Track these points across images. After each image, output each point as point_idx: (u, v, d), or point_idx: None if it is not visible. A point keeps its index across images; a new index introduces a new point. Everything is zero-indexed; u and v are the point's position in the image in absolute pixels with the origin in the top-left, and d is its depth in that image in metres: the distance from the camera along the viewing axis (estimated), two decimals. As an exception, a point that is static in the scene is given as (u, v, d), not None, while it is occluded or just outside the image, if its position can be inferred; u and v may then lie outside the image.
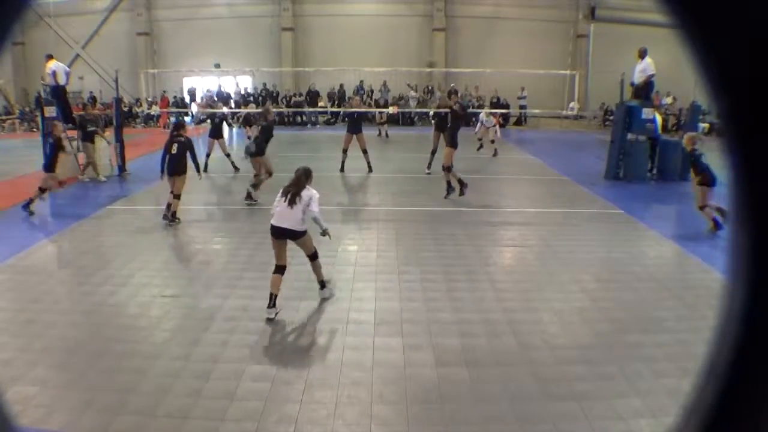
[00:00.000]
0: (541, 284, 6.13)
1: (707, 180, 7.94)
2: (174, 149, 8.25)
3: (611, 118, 17.31)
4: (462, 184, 9.79)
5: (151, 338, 4.82)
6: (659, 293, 5.81)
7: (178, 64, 24.78)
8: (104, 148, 12.59)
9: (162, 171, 8.30)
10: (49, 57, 12.99)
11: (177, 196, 8.25)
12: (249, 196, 9.55)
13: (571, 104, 22.66)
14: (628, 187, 11.39)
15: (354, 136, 12.50)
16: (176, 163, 8.24)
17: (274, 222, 5.27)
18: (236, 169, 12.75)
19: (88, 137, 11.99)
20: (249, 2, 25.49)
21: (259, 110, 13.44)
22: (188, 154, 8.35)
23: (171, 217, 8.24)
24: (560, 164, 13.76)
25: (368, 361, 4.36)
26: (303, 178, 5.33)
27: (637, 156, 11.98)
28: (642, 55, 12.08)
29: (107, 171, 12.46)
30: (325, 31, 25.04)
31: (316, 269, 5.58)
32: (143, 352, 4.54)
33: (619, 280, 6.23)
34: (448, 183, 9.84)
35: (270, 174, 9.66)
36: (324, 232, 5.51)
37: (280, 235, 5.27)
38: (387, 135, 19.59)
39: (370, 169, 12.41)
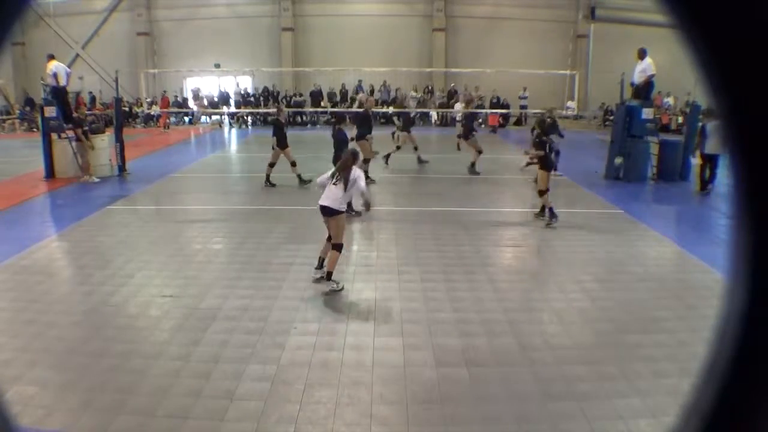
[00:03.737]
0: (541, 284, 6.13)
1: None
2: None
3: (611, 118, 17.31)
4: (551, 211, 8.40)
5: (151, 338, 4.81)
6: (659, 293, 5.81)
7: (178, 64, 24.79)
8: (102, 148, 12.58)
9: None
10: (51, 57, 13.00)
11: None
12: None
13: (569, 103, 22.65)
14: (628, 187, 11.39)
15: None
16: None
17: (320, 201, 5.91)
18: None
19: (78, 138, 11.96)
20: (249, 2, 25.48)
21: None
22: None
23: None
24: (560, 164, 13.72)
25: (368, 361, 4.36)
26: (350, 159, 5.95)
27: (637, 156, 11.98)
28: (641, 55, 12.07)
29: (107, 171, 12.46)
30: (325, 31, 25.04)
31: (332, 260, 5.77)
32: (143, 352, 4.54)
33: (619, 280, 6.22)
34: (545, 208, 8.40)
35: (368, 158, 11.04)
36: (366, 204, 6.12)
37: (323, 213, 5.89)
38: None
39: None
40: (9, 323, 5.09)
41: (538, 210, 8.64)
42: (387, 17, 25.01)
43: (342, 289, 5.77)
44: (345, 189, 5.79)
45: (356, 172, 5.88)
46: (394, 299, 5.56)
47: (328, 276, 5.77)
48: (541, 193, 8.32)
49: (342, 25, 24.84)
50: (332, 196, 5.80)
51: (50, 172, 12.08)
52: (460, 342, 4.68)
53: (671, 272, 6.60)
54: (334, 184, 5.82)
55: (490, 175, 12.13)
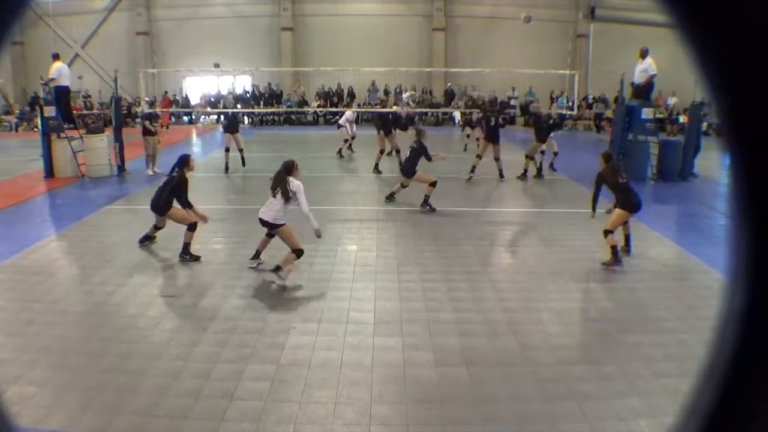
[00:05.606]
0: (541, 284, 6.13)
1: None
2: (162, 184, 7.04)
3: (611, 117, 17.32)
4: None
5: (150, 338, 4.81)
6: (659, 293, 5.81)
7: (177, 63, 24.76)
8: (101, 148, 12.57)
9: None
10: (56, 57, 13.00)
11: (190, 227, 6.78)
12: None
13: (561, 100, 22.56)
14: (628, 187, 11.36)
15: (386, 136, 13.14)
16: (154, 199, 6.98)
17: (259, 214, 6.03)
18: (243, 163, 13.01)
19: (148, 132, 12.50)
20: (248, 2, 25.47)
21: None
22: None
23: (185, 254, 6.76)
24: (560, 164, 13.74)
25: (368, 361, 4.36)
26: (283, 171, 5.96)
27: (637, 156, 11.98)
28: (643, 55, 12.08)
29: (106, 171, 12.45)
30: (325, 31, 25.02)
31: (287, 259, 5.85)
32: (143, 352, 4.54)
33: (619, 280, 6.23)
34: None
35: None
36: (316, 232, 6.04)
37: (263, 225, 6.07)
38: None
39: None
40: (8, 323, 5.09)
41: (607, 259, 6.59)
42: (386, 17, 25.00)
43: (284, 281, 5.75)
44: (285, 201, 5.81)
45: (294, 184, 5.84)
46: (394, 299, 5.55)
47: (277, 268, 5.78)
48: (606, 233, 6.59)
49: (341, 25, 24.82)
50: (272, 208, 5.86)
51: (50, 172, 12.08)
52: (460, 342, 4.68)
53: (671, 272, 6.60)
54: (273, 196, 5.87)
55: (490, 175, 12.12)
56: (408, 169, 9.21)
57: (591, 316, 5.30)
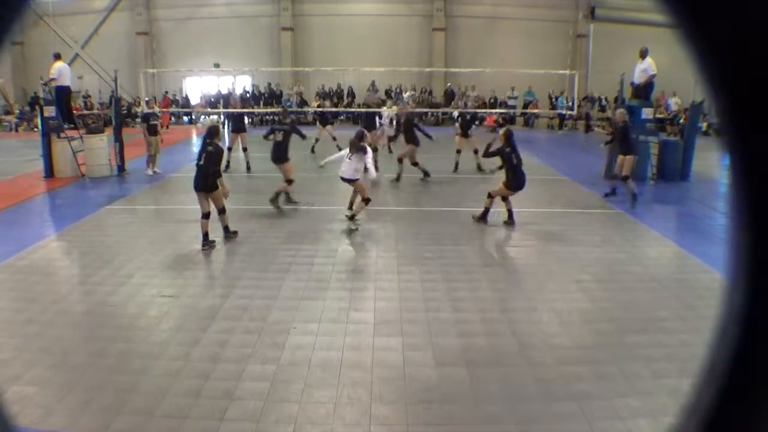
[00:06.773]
0: (541, 284, 6.13)
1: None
2: (203, 161, 7.00)
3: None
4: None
5: (150, 338, 4.81)
6: (659, 293, 5.81)
7: (177, 63, 24.76)
8: (101, 147, 12.56)
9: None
10: (57, 57, 13.00)
11: (220, 211, 7.26)
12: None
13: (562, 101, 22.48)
14: (628, 187, 11.36)
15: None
16: (202, 177, 7.06)
17: (340, 174, 8.01)
18: (249, 168, 12.80)
19: (152, 130, 12.37)
20: (248, 2, 25.47)
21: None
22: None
23: (206, 241, 7.13)
24: (560, 164, 13.75)
25: (368, 361, 4.36)
26: (356, 140, 7.84)
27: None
28: (643, 55, 12.08)
29: (105, 171, 12.45)
30: (325, 31, 25.03)
31: (360, 207, 7.87)
32: (142, 352, 4.54)
33: (619, 280, 6.22)
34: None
35: None
36: (372, 182, 8.38)
37: (343, 181, 8.03)
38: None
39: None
40: (8, 323, 5.09)
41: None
42: (386, 17, 25.00)
43: (357, 229, 7.75)
44: (356, 155, 7.67)
45: (365, 147, 7.81)
46: (394, 299, 5.56)
47: (352, 217, 7.78)
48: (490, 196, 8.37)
49: (341, 25, 24.83)
50: (350, 167, 7.79)
51: (50, 172, 12.08)
52: (460, 342, 4.68)
53: (671, 272, 6.61)
54: (348, 158, 7.78)
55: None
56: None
57: (591, 316, 5.30)
